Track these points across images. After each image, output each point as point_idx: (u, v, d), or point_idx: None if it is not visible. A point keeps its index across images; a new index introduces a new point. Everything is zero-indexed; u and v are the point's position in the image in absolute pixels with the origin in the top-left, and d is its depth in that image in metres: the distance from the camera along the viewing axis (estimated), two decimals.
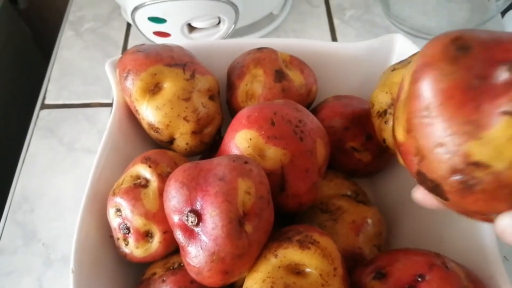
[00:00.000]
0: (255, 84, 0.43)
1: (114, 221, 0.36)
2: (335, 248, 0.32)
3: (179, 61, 0.41)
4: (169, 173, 0.36)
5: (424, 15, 0.65)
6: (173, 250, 0.37)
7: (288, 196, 0.35)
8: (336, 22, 0.70)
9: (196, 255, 0.30)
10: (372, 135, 0.42)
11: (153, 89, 0.40)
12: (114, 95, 0.43)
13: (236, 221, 0.29)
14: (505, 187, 0.22)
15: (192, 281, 0.34)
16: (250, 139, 0.35)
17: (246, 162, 0.32)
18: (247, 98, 0.43)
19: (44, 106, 0.61)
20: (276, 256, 0.31)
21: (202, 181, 0.30)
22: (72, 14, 0.72)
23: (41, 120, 0.60)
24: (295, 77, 0.44)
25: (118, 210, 0.36)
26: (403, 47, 0.45)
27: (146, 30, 0.59)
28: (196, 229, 0.30)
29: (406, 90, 0.26)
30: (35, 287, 0.47)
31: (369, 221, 0.39)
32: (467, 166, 0.22)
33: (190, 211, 0.30)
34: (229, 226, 0.29)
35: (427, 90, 0.24)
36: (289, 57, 0.45)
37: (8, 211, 0.53)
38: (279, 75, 0.43)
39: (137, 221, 0.35)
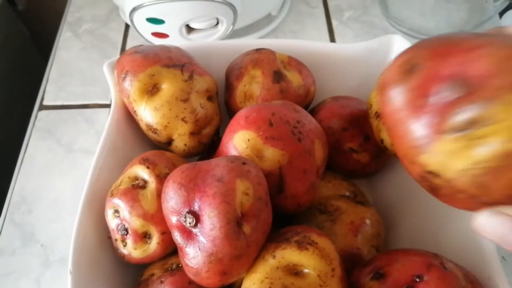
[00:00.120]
0: (254, 85, 0.43)
1: (112, 222, 0.36)
2: (333, 248, 0.32)
3: (177, 62, 0.41)
4: (167, 174, 0.36)
5: (422, 16, 0.65)
6: (171, 251, 0.37)
7: (286, 197, 0.35)
8: (334, 23, 0.70)
9: (194, 256, 0.30)
10: (370, 136, 0.42)
11: (151, 90, 0.40)
12: (112, 96, 0.43)
13: (234, 222, 0.29)
14: (461, 192, 0.24)
15: (190, 282, 0.34)
16: (248, 140, 0.35)
17: (244, 163, 0.32)
18: (245, 99, 0.43)
19: (42, 107, 0.61)
20: (274, 257, 0.31)
21: (200, 182, 0.30)
22: (70, 15, 0.72)
23: (40, 121, 0.60)
24: (293, 78, 0.44)
25: (116, 211, 0.36)
26: (401, 48, 0.45)
27: (144, 31, 0.59)
28: (194, 230, 0.30)
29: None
30: None
31: (368, 221, 0.39)
32: (427, 174, 0.25)
33: (188, 212, 0.30)
34: (227, 227, 0.29)
35: (383, 111, 0.27)
36: (287, 58, 0.45)
37: (6, 212, 0.53)
38: (277, 76, 0.43)
39: (135, 222, 0.35)
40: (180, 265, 0.35)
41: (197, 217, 0.30)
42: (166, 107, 0.39)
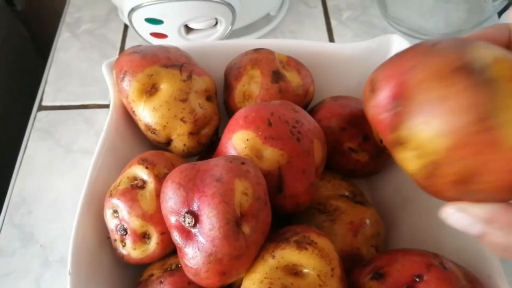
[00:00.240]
0: (252, 85, 0.43)
1: (111, 223, 0.36)
2: (333, 248, 0.32)
3: (176, 62, 0.41)
4: (166, 174, 0.35)
5: (421, 16, 0.65)
6: (170, 251, 0.37)
7: (286, 196, 0.35)
8: (333, 23, 0.70)
9: (193, 256, 0.30)
10: (370, 135, 0.42)
11: (150, 90, 0.40)
12: (111, 97, 0.43)
13: (233, 222, 0.29)
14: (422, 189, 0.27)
15: (190, 282, 0.34)
16: (247, 139, 0.35)
17: (243, 163, 0.32)
18: (244, 99, 0.43)
19: (41, 108, 0.61)
20: (273, 257, 0.31)
21: (199, 182, 0.30)
22: (69, 16, 0.72)
23: (39, 122, 0.60)
24: (292, 78, 0.44)
25: (115, 211, 0.36)
26: (400, 48, 0.45)
27: (143, 31, 0.59)
28: (193, 230, 0.30)
29: None
30: None
31: (367, 221, 0.39)
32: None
33: (187, 212, 0.30)
34: (226, 227, 0.29)
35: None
36: (286, 57, 0.45)
37: (5, 213, 0.53)
38: (276, 76, 0.42)
39: (134, 223, 0.35)
40: (179, 266, 0.35)
41: (196, 217, 0.30)
42: (165, 107, 0.39)
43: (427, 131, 0.23)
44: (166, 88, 0.39)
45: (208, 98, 0.42)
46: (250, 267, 0.31)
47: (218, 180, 0.30)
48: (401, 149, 0.26)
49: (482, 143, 0.21)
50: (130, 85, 0.39)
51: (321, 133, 0.38)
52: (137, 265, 0.37)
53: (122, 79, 0.40)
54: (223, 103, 0.46)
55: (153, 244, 0.36)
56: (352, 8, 0.72)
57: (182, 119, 0.40)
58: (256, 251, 0.31)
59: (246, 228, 0.30)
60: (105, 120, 0.41)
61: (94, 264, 0.36)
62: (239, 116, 0.36)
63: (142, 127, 0.41)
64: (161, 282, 0.34)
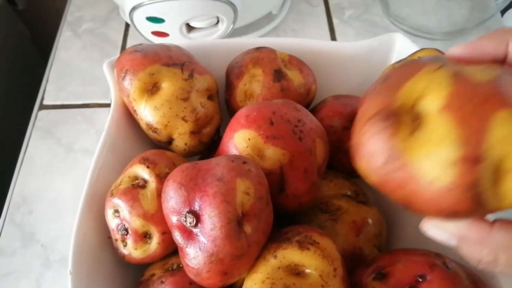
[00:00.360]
0: (254, 83, 0.43)
1: (112, 222, 0.36)
2: (335, 248, 0.32)
3: (177, 61, 0.41)
4: (168, 173, 0.35)
5: (423, 14, 0.65)
6: (172, 251, 0.36)
7: (288, 196, 0.35)
8: (335, 21, 0.70)
9: (194, 256, 0.30)
10: None
11: (151, 89, 0.39)
12: (112, 96, 0.42)
13: (235, 222, 0.29)
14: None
15: (191, 282, 0.33)
16: (249, 139, 0.34)
17: (244, 162, 0.31)
18: (246, 98, 0.43)
19: (42, 107, 0.61)
20: (275, 257, 0.30)
21: (201, 182, 0.30)
22: (70, 15, 0.72)
23: (40, 121, 0.60)
24: (294, 77, 0.43)
25: (116, 211, 0.36)
26: (403, 46, 0.45)
27: (144, 30, 0.59)
28: (195, 230, 0.30)
29: None
30: None
31: (370, 221, 0.39)
32: None
33: (188, 212, 0.30)
34: (227, 227, 0.29)
35: None
36: (288, 56, 0.45)
37: (6, 212, 0.52)
38: (278, 75, 0.42)
39: (135, 222, 0.35)
40: (180, 265, 0.35)
41: (197, 217, 0.29)
42: (166, 106, 0.39)
43: (360, 168, 0.26)
44: (167, 87, 0.39)
45: (210, 97, 0.42)
46: (251, 267, 0.31)
47: (219, 179, 0.30)
48: None
49: (400, 179, 0.23)
50: (131, 84, 0.39)
51: (323, 132, 0.38)
52: (138, 265, 0.37)
53: (123, 78, 0.39)
54: (224, 102, 0.46)
55: (154, 244, 0.35)
56: (354, 6, 0.71)
57: (183, 118, 0.40)
58: (257, 251, 0.31)
59: (247, 228, 0.30)
60: (106, 119, 0.41)
61: (95, 264, 0.36)
62: (240, 115, 0.36)
63: (143, 126, 0.41)
64: (162, 282, 0.34)
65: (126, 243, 0.36)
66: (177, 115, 0.39)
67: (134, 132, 0.43)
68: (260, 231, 0.31)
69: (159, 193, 0.35)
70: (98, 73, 0.64)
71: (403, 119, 0.24)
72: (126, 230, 0.35)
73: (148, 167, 0.36)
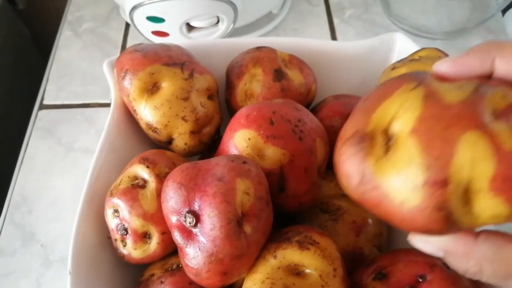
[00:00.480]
0: (254, 83, 0.43)
1: (112, 222, 0.36)
2: (335, 248, 0.32)
3: (177, 61, 0.40)
4: (167, 173, 0.35)
5: (424, 14, 0.65)
6: (171, 251, 0.36)
7: (288, 196, 0.35)
8: (335, 21, 0.70)
9: (194, 256, 0.30)
10: None
11: (151, 89, 0.39)
12: (112, 95, 0.42)
13: (235, 222, 0.29)
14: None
15: (191, 282, 0.33)
16: (249, 138, 0.34)
17: (244, 162, 0.31)
18: (246, 97, 0.43)
19: (42, 107, 0.61)
20: (275, 257, 0.30)
21: (200, 182, 0.30)
22: (70, 14, 0.72)
23: (40, 121, 0.60)
24: (295, 76, 0.43)
25: (116, 211, 0.36)
26: (403, 45, 0.45)
27: (144, 30, 0.59)
28: (194, 230, 0.30)
29: None
30: None
31: (370, 221, 0.39)
32: None
33: (188, 212, 0.30)
34: (227, 227, 0.28)
35: None
36: (288, 56, 0.45)
37: (6, 212, 0.52)
38: (278, 74, 0.42)
39: (135, 222, 0.35)
40: (180, 265, 0.35)
41: (197, 217, 0.29)
42: (166, 105, 0.39)
43: (341, 185, 0.26)
44: (167, 86, 0.39)
45: (210, 97, 0.42)
46: (251, 267, 0.31)
47: (219, 179, 0.30)
48: None
49: (375, 199, 0.24)
50: (131, 84, 0.39)
51: (324, 132, 0.38)
52: (137, 265, 0.37)
53: (123, 77, 0.39)
54: (224, 102, 0.46)
55: (154, 244, 0.35)
56: (354, 6, 0.71)
57: (183, 118, 0.40)
58: (257, 251, 0.31)
59: (247, 228, 0.30)
60: (106, 119, 0.41)
61: (95, 264, 0.36)
62: (240, 115, 0.36)
63: (143, 126, 0.41)
64: (162, 282, 0.34)
65: (125, 243, 0.36)
66: (177, 114, 0.39)
67: (134, 132, 0.43)
68: (260, 231, 0.31)
69: (158, 193, 0.35)
70: (98, 72, 0.64)
71: (377, 141, 0.24)
72: (126, 230, 0.35)
73: (148, 167, 0.36)
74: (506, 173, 0.21)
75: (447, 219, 0.22)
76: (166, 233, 0.35)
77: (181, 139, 0.41)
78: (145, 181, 0.36)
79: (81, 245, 0.35)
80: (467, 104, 0.22)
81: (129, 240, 0.35)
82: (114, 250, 0.37)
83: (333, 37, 0.68)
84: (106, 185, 0.38)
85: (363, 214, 0.39)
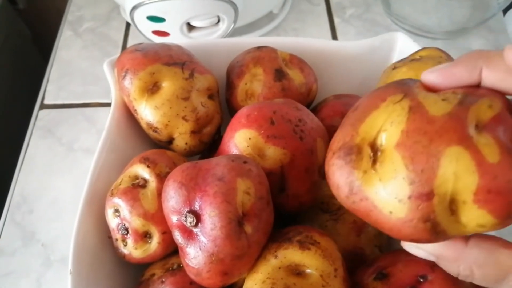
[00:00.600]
0: (255, 83, 0.42)
1: (113, 222, 0.36)
2: (336, 248, 0.31)
3: (178, 60, 0.40)
4: (168, 173, 0.35)
5: (424, 13, 0.65)
6: (172, 251, 0.36)
7: (288, 196, 0.35)
8: (336, 20, 0.69)
9: (195, 256, 0.30)
10: None
11: (152, 88, 0.39)
12: (113, 95, 0.42)
13: (235, 222, 0.29)
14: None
15: (192, 282, 0.33)
16: (250, 138, 0.34)
17: (245, 162, 0.31)
18: (246, 97, 0.43)
19: (43, 106, 0.61)
20: (276, 257, 0.30)
21: (201, 181, 0.30)
22: (71, 14, 0.72)
23: (40, 120, 0.60)
24: (295, 76, 0.43)
25: (117, 210, 0.36)
26: (404, 45, 0.45)
27: (145, 29, 0.59)
28: (195, 230, 0.30)
29: None
30: None
31: None
32: None
33: (188, 212, 0.30)
34: (228, 227, 0.28)
35: None
36: (289, 56, 0.45)
37: (7, 212, 0.52)
38: (279, 74, 0.42)
39: (135, 222, 0.35)
40: (181, 265, 0.35)
41: (197, 217, 0.29)
42: (166, 105, 0.39)
43: (334, 194, 0.26)
44: (168, 86, 0.39)
45: (210, 97, 0.42)
46: (252, 267, 0.31)
47: (220, 179, 0.30)
48: None
49: (364, 209, 0.25)
50: (131, 83, 0.39)
51: (324, 132, 0.38)
52: (138, 265, 0.37)
53: (124, 77, 0.39)
54: (225, 102, 0.46)
55: (154, 243, 0.35)
56: (355, 5, 0.71)
57: (184, 118, 0.40)
58: (258, 251, 0.31)
59: (248, 228, 0.30)
60: (106, 118, 0.41)
61: (95, 263, 0.36)
62: (241, 114, 0.36)
63: (144, 125, 0.41)
64: (162, 282, 0.34)
65: (126, 243, 0.36)
66: (177, 114, 0.39)
67: (134, 132, 0.43)
68: (260, 231, 0.31)
69: (159, 193, 0.35)
70: (99, 72, 0.64)
71: (364, 153, 0.25)
72: (127, 229, 0.35)
73: (148, 166, 0.36)
74: (489, 186, 0.21)
75: (434, 229, 0.23)
76: (166, 233, 0.35)
77: (182, 138, 0.41)
78: (145, 181, 0.36)
79: (82, 245, 0.35)
80: (452, 117, 0.22)
81: (129, 240, 0.35)
82: (114, 250, 0.37)
83: (334, 37, 0.68)
84: (106, 185, 0.38)
85: None
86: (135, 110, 0.40)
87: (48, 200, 0.53)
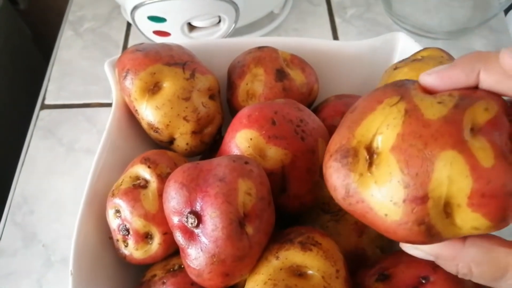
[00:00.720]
0: (256, 83, 0.42)
1: (113, 223, 0.36)
2: (337, 249, 0.31)
3: (178, 60, 0.40)
4: (169, 173, 0.35)
5: (426, 13, 0.65)
6: (173, 251, 0.36)
7: (289, 196, 0.35)
8: (337, 20, 0.69)
9: (196, 257, 0.30)
10: None
11: (153, 89, 0.39)
12: (114, 95, 0.42)
13: (237, 223, 0.29)
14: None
15: (193, 283, 0.33)
16: (251, 139, 0.34)
17: (246, 163, 0.31)
18: (247, 97, 0.43)
19: (44, 107, 0.61)
20: (277, 258, 0.30)
21: (202, 182, 0.30)
22: (72, 14, 0.72)
23: (41, 121, 0.60)
24: (296, 76, 0.43)
25: (117, 211, 0.36)
26: (405, 45, 0.45)
27: (146, 30, 0.59)
28: (196, 231, 0.30)
29: None
30: None
31: None
32: None
33: (189, 213, 0.30)
34: (229, 228, 0.28)
35: None
36: (290, 56, 0.45)
37: (8, 213, 0.52)
38: (280, 74, 0.42)
39: (136, 223, 0.35)
40: (182, 266, 0.35)
41: (199, 218, 0.29)
42: (167, 105, 0.39)
43: (332, 195, 0.27)
44: (169, 86, 0.39)
45: (211, 97, 0.42)
46: (253, 268, 0.31)
47: (221, 179, 0.30)
48: None
49: (361, 211, 0.25)
50: (132, 84, 0.39)
51: (326, 132, 0.38)
52: (139, 266, 0.37)
53: (125, 77, 0.39)
54: (226, 102, 0.46)
55: (155, 244, 0.35)
56: (356, 5, 0.71)
57: (185, 118, 0.40)
58: (259, 252, 0.31)
59: (249, 229, 0.30)
60: (107, 119, 0.41)
61: (96, 264, 0.36)
62: (242, 115, 0.36)
63: (145, 126, 0.41)
64: (163, 283, 0.34)
65: (127, 244, 0.36)
66: (178, 114, 0.39)
67: (135, 132, 0.43)
68: (262, 231, 0.31)
69: (160, 194, 0.35)
70: (100, 72, 0.64)
71: (360, 156, 0.25)
72: (127, 230, 0.35)
73: (149, 167, 0.36)
74: (483, 190, 0.21)
75: (428, 232, 0.23)
76: (167, 234, 0.35)
77: (183, 139, 0.41)
78: (146, 182, 0.36)
79: (83, 246, 0.35)
80: (447, 121, 0.23)
81: (130, 241, 0.35)
82: (115, 251, 0.37)
83: (335, 37, 0.68)
84: (107, 186, 0.38)
85: None
86: (136, 110, 0.40)
87: (49, 201, 0.53)
